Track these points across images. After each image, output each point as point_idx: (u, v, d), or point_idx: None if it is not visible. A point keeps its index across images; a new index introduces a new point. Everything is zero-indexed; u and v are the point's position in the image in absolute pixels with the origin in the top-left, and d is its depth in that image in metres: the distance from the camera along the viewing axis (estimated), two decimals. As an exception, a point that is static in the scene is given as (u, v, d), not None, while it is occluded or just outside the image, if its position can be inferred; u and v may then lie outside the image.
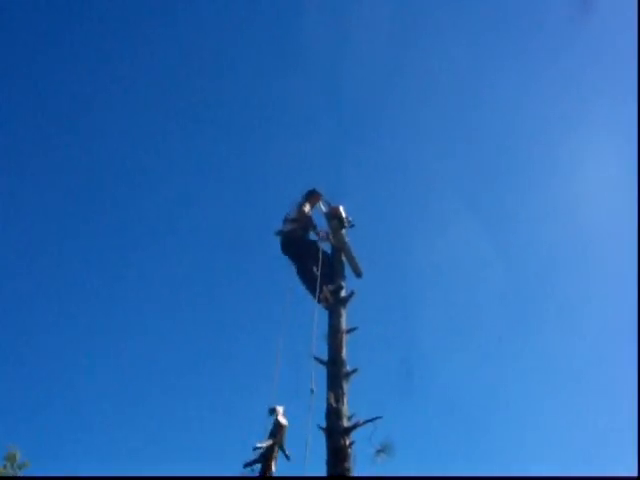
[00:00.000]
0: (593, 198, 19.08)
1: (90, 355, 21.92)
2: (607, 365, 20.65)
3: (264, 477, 5.05)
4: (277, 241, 7.46)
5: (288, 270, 7.25)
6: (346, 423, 5.55)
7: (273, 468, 5.08)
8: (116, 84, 24.07)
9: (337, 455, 5.35)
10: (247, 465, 5.13)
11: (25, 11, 22.14)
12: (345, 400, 5.73)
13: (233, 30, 23.35)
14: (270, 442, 5.12)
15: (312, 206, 7.54)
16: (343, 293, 6.70)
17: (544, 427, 19.26)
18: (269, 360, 6.07)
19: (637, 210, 16.41)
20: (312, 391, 5.59)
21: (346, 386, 5.84)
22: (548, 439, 19.45)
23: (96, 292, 23.25)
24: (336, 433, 5.45)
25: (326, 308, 6.59)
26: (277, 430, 5.21)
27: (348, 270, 7.18)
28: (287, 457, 5.21)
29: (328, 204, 7.53)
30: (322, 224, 7.41)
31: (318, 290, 6.58)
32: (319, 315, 6.43)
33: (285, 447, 5.20)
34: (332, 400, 5.67)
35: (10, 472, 13.02)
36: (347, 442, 5.42)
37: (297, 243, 7.33)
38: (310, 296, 6.88)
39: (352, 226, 7.29)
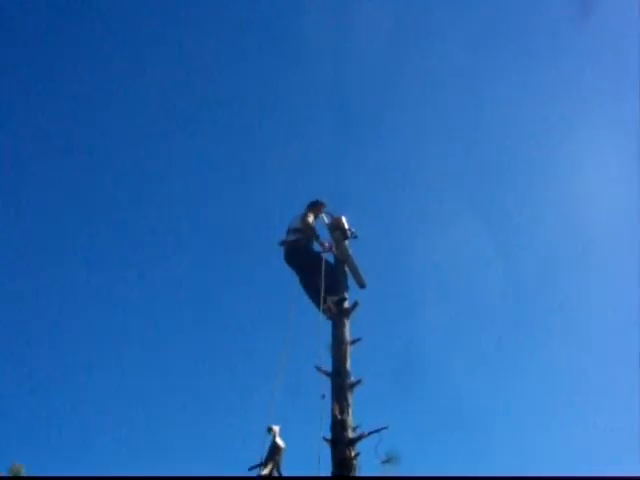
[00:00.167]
0: (593, 198, 19.11)
1: (90, 355, 21.96)
2: (609, 365, 20.69)
3: (264, 477, 5.08)
4: (280, 251, 7.48)
5: (292, 280, 7.31)
6: (351, 434, 5.57)
7: None
8: (116, 84, 24.08)
9: (342, 466, 5.37)
10: (252, 469, 5.22)
11: (25, 11, 22.17)
12: (350, 411, 5.75)
13: (233, 30, 23.40)
14: (270, 467, 5.12)
15: (316, 216, 7.54)
16: (346, 304, 6.73)
17: (545, 427, 19.32)
18: (272, 366, 6.14)
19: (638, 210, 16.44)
20: (323, 397, 5.69)
21: (351, 397, 5.86)
22: (549, 439, 19.53)
23: (96, 292, 23.30)
24: (341, 444, 5.47)
25: (330, 319, 6.64)
26: (275, 452, 5.21)
27: (351, 281, 7.20)
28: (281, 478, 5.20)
29: (331, 215, 7.54)
30: (325, 235, 7.43)
31: (322, 301, 6.62)
32: (323, 326, 6.51)
33: (282, 469, 5.22)
34: (337, 411, 5.69)
35: None
36: (352, 453, 5.44)
37: (301, 254, 7.34)
38: (314, 307, 6.94)
39: (355, 237, 7.29)
